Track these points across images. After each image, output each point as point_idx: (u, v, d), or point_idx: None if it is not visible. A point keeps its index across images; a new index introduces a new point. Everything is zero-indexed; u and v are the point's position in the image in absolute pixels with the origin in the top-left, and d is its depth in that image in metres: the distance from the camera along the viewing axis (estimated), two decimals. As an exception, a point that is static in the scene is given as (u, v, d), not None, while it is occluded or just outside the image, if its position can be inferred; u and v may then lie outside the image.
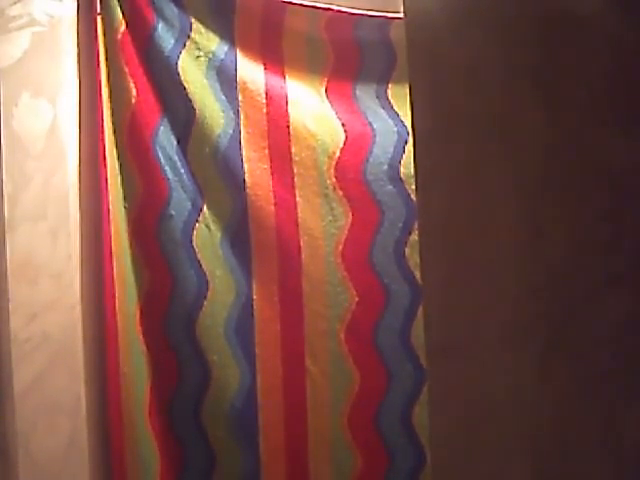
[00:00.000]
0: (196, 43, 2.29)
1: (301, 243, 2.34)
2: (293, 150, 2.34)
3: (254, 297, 2.33)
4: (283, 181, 2.34)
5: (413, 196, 2.27)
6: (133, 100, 2.24)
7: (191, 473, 2.31)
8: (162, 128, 2.27)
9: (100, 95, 2.22)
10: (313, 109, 2.38)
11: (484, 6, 1.01)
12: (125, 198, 2.26)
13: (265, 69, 2.35)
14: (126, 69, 2.23)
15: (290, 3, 2.37)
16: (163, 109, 2.27)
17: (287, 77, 2.37)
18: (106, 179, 2.22)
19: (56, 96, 2.15)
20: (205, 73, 2.29)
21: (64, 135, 2.18)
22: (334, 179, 2.36)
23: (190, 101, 2.27)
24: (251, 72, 2.34)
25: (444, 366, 1.12)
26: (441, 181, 1.11)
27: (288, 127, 2.34)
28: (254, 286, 2.33)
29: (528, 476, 0.97)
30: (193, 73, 2.28)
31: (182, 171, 2.27)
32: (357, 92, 2.42)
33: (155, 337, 2.28)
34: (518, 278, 0.97)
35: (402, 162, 2.39)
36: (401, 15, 1.47)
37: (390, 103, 2.43)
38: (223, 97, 2.30)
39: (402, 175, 2.38)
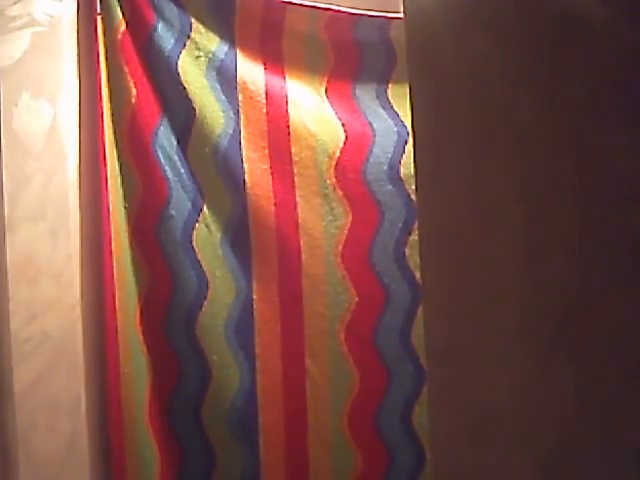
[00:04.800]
0: (196, 43, 2.29)
1: (301, 243, 2.34)
2: (293, 150, 2.34)
3: (254, 297, 2.33)
4: (283, 181, 2.34)
5: (413, 196, 2.27)
6: (133, 100, 2.24)
7: (191, 473, 2.31)
8: (162, 128, 2.27)
9: (100, 95, 2.22)
10: (313, 109, 2.38)
11: (484, 6, 1.01)
12: (125, 198, 2.26)
13: (265, 69, 2.35)
14: (126, 69, 2.24)
15: (290, 3, 2.37)
16: (163, 109, 2.27)
17: (287, 77, 2.37)
18: (106, 179, 2.22)
19: (56, 96, 2.15)
20: (205, 73, 2.29)
21: (64, 135, 2.18)
22: (334, 179, 2.36)
23: (190, 101, 2.27)
24: (251, 72, 2.34)
25: (444, 366, 1.12)
26: (441, 181, 1.11)
27: (288, 127, 2.34)
28: (254, 286, 2.33)
29: (528, 476, 0.97)
30: (193, 73, 2.28)
31: (182, 171, 2.27)
32: (357, 92, 2.42)
33: (155, 337, 2.28)
34: (518, 278, 0.97)
35: (402, 162, 2.39)
36: (401, 15, 1.47)
37: (390, 103, 2.44)
38: (223, 97, 2.30)
39: (402, 175, 2.38)
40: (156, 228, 2.26)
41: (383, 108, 2.43)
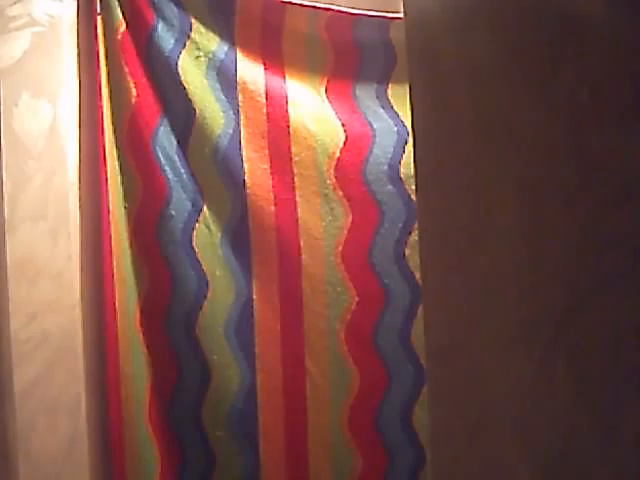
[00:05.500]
0: (196, 43, 2.29)
1: (301, 243, 2.34)
2: (293, 150, 2.35)
3: (254, 297, 2.33)
4: (283, 181, 2.34)
5: (413, 196, 2.27)
6: (133, 100, 2.24)
7: (191, 473, 2.31)
8: (162, 128, 2.27)
9: (100, 95, 2.22)
10: (313, 109, 2.38)
11: (484, 6, 1.01)
12: (125, 198, 2.26)
13: (265, 69, 2.35)
14: (126, 69, 2.24)
15: (290, 3, 2.37)
16: (163, 109, 2.27)
17: (287, 77, 2.37)
18: (106, 179, 2.22)
19: (56, 96, 2.15)
20: (205, 73, 2.29)
21: (64, 135, 2.18)
22: (334, 179, 2.36)
23: (190, 101, 2.27)
24: (251, 72, 2.34)
25: (444, 366, 1.12)
26: (441, 181, 1.11)
27: (288, 127, 2.34)
28: (254, 286, 2.33)
29: (528, 476, 0.97)
30: (193, 73, 2.28)
31: (182, 171, 2.28)
32: (357, 92, 2.42)
33: (155, 337, 2.28)
34: (518, 278, 0.97)
35: (402, 162, 2.39)
36: (401, 15, 1.47)
37: (390, 103, 2.44)
38: (223, 97, 2.30)
39: (402, 175, 2.38)
40: (156, 228, 2.26)
41: (383, 108, 2.43)
